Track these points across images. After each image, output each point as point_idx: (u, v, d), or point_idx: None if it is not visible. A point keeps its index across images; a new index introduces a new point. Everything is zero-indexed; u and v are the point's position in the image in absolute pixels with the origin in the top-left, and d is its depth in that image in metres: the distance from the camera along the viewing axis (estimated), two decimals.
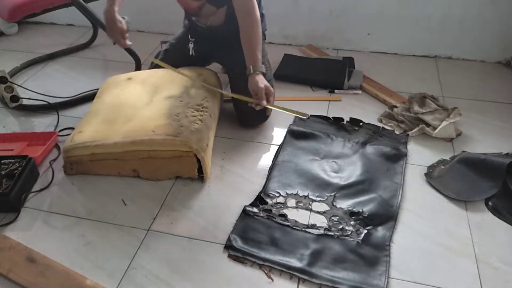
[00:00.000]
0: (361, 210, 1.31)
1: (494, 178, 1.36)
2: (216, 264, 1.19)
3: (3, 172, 1.41)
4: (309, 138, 1.61)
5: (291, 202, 1.36)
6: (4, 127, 1.74)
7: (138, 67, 1.96)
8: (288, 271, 1.15)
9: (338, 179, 1.43)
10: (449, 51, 2.14)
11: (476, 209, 1.33)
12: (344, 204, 1.34)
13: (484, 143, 1.59)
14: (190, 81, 1.64)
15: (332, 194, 1.38)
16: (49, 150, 1.59)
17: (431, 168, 1.48)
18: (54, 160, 1.55)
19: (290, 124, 1.68)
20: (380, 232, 1.25)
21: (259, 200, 1.36)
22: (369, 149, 1.55)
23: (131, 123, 1.47)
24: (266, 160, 1.54)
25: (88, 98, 1.84)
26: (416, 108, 1.67)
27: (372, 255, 1.18)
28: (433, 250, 1.21)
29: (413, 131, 1.61)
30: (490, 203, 1.34)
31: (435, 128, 1.59)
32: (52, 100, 1.82)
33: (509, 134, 1.64)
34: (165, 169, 1.44)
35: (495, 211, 1.31)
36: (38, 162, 1.51)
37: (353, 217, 1.30)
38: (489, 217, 1.31)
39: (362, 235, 1.23)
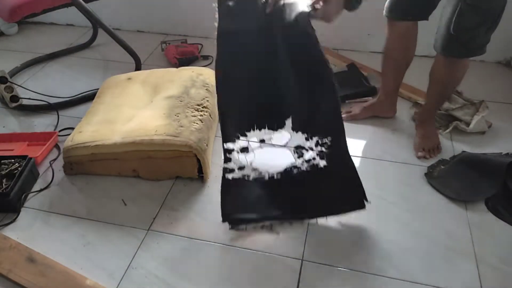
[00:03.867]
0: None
1: (494, 178, 1.36)
2: (216, 264, 1.19)
3: (3, 172, 1.41)
4: None
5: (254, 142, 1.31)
6: (4, 127, 1.74)
7: (138, 67, 1.96)
8: (285, 219, 1.24)
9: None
10: None
11: (476, 209, 1.33)
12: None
13: (484, 142, 1.59)
14: (190, 81, 1.64)
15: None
16: (49, 150, 1.59)
17: (431, 168, 1.48)
18: (54, 160, 1.55)
19: None
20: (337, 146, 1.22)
21: (226, 153, 1.26)
22: None
23: (131, 123, 1.47)
24: None
25: (88, 98, 1.84)
26: (446, 104, 1.68)
27: (341, 171, 1.24)
28: (433, 250, 1.21)
29: (447, 130, 1.63)
30: (490, 203, 1.33)
31: (466, 123, 1.61)
32: (52, 100, 1.82)
33: (509, 134, 1.64)
34: (165, 169, 1.44)
35: (495, 211, 1.31)
36: (38, 162, 1.51)
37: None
38: (489, 217, 1.31)
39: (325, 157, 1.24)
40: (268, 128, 1.27)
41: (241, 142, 1.28)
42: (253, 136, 1.29)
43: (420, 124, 1.60)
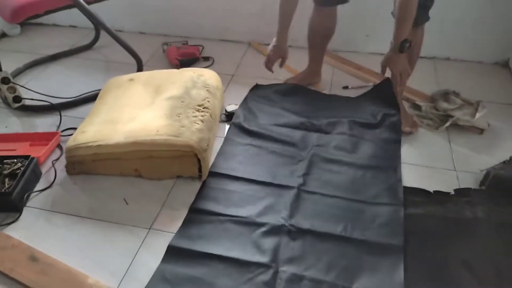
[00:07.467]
0: None
1: None
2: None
3: (5, 172, 1.42)
4: None
5: None
6: (6, 127, 1.76)
7: (139, 68, 1.97)
8: None
9: None
10: (447, 52, 2.15)
11: None
12: None
13: (482, 143, 1.61)
14: (191, 81, 1.65)
15: None
16: (52, 150, 1.60)
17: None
18: (57, 160, 1.56)
19: None
20: None
21: None
22: None
23: (133, 123, 1.49)
24: None
25: (90, 98, 1.85)
26: (445, 105, 1.71)
27: None
28: None
29: (447, 124, 1.65)
30: None
31: (467, 122, 1.64)
32: (54, 101, 1.83)
33: (507, 134, 1.65)
34: (167, 168, 1.45)
35: None
36: (41, 162, 1.53)
37: None
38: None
39: None
40: None
41: None
42: None
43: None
